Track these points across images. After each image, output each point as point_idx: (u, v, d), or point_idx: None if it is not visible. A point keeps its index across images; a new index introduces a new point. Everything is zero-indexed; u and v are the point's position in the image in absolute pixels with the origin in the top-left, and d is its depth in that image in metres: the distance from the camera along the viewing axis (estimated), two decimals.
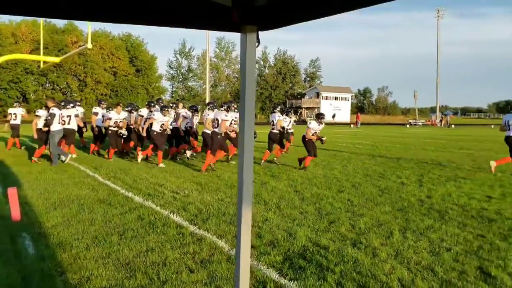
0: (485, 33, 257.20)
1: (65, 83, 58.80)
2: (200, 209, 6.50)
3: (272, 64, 79.47)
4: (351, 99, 78.75)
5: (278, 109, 12.78)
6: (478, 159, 13.95)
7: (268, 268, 4.14)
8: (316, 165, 11.70)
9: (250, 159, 1.42)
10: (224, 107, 10.91)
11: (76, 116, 12.83)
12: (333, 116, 66.08)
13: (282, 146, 12.16)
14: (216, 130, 10.63)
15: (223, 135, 10.69)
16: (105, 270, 4.03)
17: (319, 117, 10.90)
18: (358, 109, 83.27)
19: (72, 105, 12.93)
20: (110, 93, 60.58)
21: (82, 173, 9.89)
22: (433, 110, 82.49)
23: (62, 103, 12.72)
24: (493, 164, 10.74)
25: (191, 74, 74.51)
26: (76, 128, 12.77)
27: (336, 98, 73.67)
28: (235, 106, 11.47)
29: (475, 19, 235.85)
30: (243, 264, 1.39)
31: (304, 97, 74.34)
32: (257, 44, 1.42)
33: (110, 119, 12.35)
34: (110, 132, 12.38)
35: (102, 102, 14.88)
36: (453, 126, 54.98)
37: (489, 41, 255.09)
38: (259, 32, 1.46)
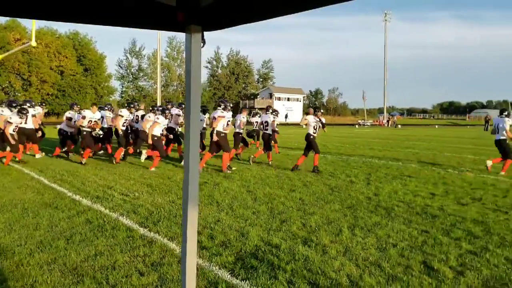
0: (430, 37, 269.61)
1: (7, 82, 55.89)
2: (151, 211, 6.40)
3: (225, 65, 79.43)
4: (303, 100, 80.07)
5: (271, 111, 13.07)
6: (422, 158, 14.58)
7: (220, 268, 4.13)
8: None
9: (195, 159, 1.42)
10: (221, 106, 11.12)
11: (33, 116, 12.32)
12: (286, 117, 66.92)
13: (269, 147, 12.42)
14: (219, 129, 10.76)
15: (226, 132, 10.88)
16: (51, 276, 3.88)
17: (316, 110, 11.50)
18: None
19: (29, 104, 12.57)
20: (56, 93, 58.19)
21: (26, 176, 9.46)
22: (380, 110, 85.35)
23: (11, 104, 12.22)
24: (489, 163, 11.06)
25: (141, 74, 73.03)
26: (33, 127, 12.33)
27: (288, 99, 74.69)
28: (231, 105, 11.82)
29: (420, 22, 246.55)
30: (189, 265, 1.38)
31: (257, 98, 74.78)
32: (202, 44, 1.42)
33: (84, 117, 11.78)
34: (85, 133, 11.82)
35: (75, 106, 14.02)
36: (399, 126, 57.14)
37: (434, 45, 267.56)
38: (205, 32, 1.46)
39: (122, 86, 72.41)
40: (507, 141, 10.84)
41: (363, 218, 6.09)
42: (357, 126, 57.63)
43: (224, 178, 9.55)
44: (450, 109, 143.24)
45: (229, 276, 3.96)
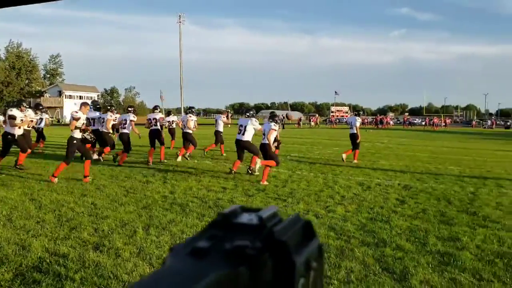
0: (220, 41, 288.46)
1: None
2: None
3: (4, 58, 69.63)
4: (98, 98, 76.10)
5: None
6: (215, 154, 15.48)
7: None
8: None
9: None
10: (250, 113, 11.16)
11: None
12: None
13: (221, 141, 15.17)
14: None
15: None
16: None
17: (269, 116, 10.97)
18: (104, 108, 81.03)
19: None
20: None
21: None
22: (178, 111, 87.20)
23: None
24: (344, 156, 13.59)
25: None
26: None
27: (81, 97, 69.79)
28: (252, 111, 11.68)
29: (211, 28, 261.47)
30: None
31: (44, 96, 67.76)
32: None
33: (77, 119, 8.96)
34: (75, 141, 9.09)
35: (23, 105, 11.19)
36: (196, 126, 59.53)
37: (224, 49, 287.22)
38: None
39: None
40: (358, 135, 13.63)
41: (158, 217, 6.13)
42: None
43: (2, 186, 8.37)
44: (241, 109, 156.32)
45: None
